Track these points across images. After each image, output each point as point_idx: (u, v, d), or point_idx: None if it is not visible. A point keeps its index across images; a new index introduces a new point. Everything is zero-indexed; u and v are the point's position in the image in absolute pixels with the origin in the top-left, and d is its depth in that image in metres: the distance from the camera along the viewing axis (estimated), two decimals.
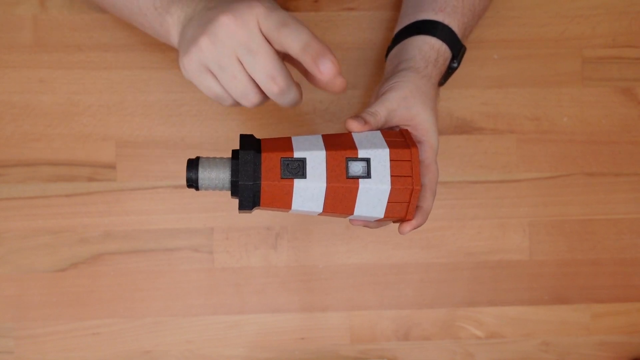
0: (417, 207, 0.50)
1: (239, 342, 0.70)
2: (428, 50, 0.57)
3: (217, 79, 0.47)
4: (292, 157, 0.46)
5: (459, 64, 0.60)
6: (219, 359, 0.70)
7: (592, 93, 0.71)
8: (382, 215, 0.48)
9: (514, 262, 0.71)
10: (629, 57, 0.71)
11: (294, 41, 0.43)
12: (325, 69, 0.43)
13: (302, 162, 0.46)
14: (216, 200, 0.69)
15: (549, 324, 0.71)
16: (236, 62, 0.45)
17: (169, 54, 0.69)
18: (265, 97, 0.48)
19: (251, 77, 0.46)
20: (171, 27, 0.51)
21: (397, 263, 0.70)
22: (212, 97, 0.49)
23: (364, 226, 0.52)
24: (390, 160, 0.47)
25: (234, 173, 0.47)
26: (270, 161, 0.46)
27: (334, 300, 0.70)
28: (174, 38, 0.51)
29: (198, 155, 0.68)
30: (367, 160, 0.47)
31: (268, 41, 0.45)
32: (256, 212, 0.69)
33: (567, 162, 0.71)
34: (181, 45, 0.48)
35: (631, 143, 0.71)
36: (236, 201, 0.69)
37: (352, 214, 0.48)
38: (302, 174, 0.46)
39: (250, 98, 0.47)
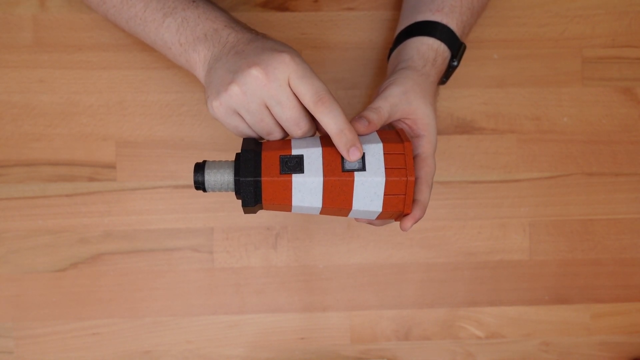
0: (414, 200, 0.51)
1: (239, 342, 0.70)
2: (426, 50, 0.57)
3: (244, 119, 0.50)
4: (290, 155, 0.48)
5: (458, 62, 0.60)
6: (219, 359, 0.70)
7: (592, 93, 0.71)
8: (380, 209, 0.49)
9: (514, 262, 0.71)
10: (629, 57, 0.71)
11: (330, 124, 0.47)
12: (354, 157, 0.48)
13: (300, 158, 0.48)
14: (216, 200, 0.69)
15: (549, 324, 0.71)
16: (264, 108, 0.48)
17: None
18: (287, 133, 0.52)
19: (276, 120, 0.50)
20: (197, 63, 0.53)
21: (397, 263, 0.70)
22: (237, 134, 0.52)
23: (369, 223, 0.54)
24: (384, 153, 0.49)
25: (236, 172, 0.49)
26: (269, 159, 0.48)
27: (334, 300, 0.70)
28: (199, 73, 0.53)
29: (205, 158, 0.69)
30: (362, 155, 0.48)
31: (294, 93, 0.48)
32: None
33: (567, 162, 0.71)
34: (209, 86, 0.50)
35: (631, 143, 0.71)
36: (237, 201, 0.69)
37: (351, 208, 0.49)
38: (300, 169, 0.48)
39: (275, 135, 0.51)
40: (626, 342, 0.71)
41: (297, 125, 0.49)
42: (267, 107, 0.48)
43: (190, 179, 0.69)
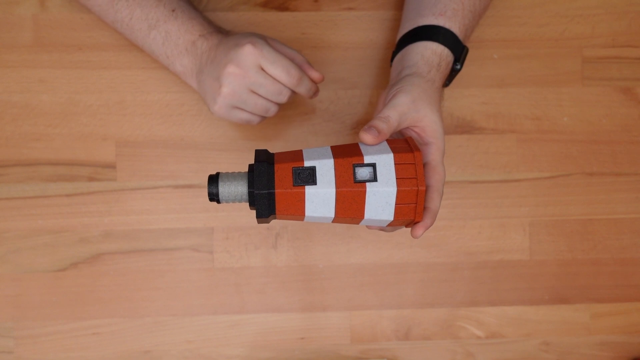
0: (425, 208, 0.51)
1: (239, 342, 0.70)
2: (430, 55, 0.57)
3: (243, 109, 0.60)
4: (303, 166, 0.49)
5: (461, 65, 0.60)
6: (219, 359, 0.70)
7: (592, 93, 0.71)
8: (392, 218, 0.50)
9: (514, 262, 0.71)
10: (629, 57, 0.71)
11: (304, 93, 0.60)
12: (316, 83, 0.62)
13: (312, 170, 0.49)
14: None
15: (549, 324, 0.71)
16: (252, 94, 0.58)
17: None
18: (279, 105, 0.61)
19: (266, 98, 0.59)
20: (187, 74, 0.62)
21: (397, 263, 0.70)
22: (242, 123, 0.62)
23: (380, 230, 0.54)
24: (395, 163, 0.49)
25: (250, 184, 0.50)
26: (282, 171, 0.49)
27: (334, 300, 0.70)
28: (190, 81, 0.62)
29: (204, 157, 0.69)
30: (373, 165, 0.49)
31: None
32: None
33: (567, 162, 0.71)
34: (205, 96, 0.60)
35: (631, 143, 0.71)
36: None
37: (362, 217, 0.50)
38: (313, 181, 0.49)
39: (272, 110, 0.60)
40: (626, 342, 0.71)
41: (280, 94, 0.58)
42: (254, 92, 0.58)
43: (190, 178, 0.69)
